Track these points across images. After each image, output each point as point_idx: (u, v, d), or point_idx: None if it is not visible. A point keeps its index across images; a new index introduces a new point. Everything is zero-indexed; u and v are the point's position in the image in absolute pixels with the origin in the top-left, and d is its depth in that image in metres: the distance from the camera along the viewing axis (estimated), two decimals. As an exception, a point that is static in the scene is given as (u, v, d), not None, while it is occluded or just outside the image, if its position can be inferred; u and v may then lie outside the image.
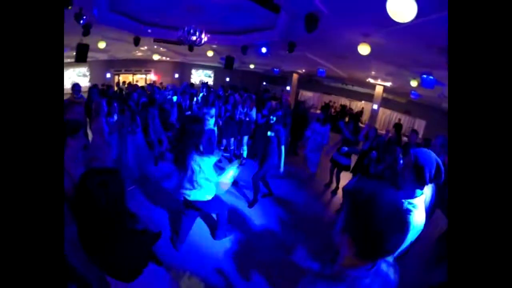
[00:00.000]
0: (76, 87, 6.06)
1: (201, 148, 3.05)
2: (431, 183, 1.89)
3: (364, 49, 6.06)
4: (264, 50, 9.19)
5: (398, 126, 7.78)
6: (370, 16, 4.79)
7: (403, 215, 1.00)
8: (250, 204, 4.88)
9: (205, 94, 8.58)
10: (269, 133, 4.59)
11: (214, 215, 3.74)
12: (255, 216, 4.67)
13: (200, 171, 2.96)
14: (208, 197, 3.23)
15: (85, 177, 1.48)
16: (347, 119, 9.88)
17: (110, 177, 1.52)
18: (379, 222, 0.93)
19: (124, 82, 15.88)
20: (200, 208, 3.34)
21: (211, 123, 6.45)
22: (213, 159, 3.09)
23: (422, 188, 1.91)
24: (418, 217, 1.85)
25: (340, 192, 6.07)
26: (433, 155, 1.89)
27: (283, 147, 4.60)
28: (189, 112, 7.74)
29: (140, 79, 18.53)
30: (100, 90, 10.34)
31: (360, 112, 18.33)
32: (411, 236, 1.84)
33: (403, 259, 2.11)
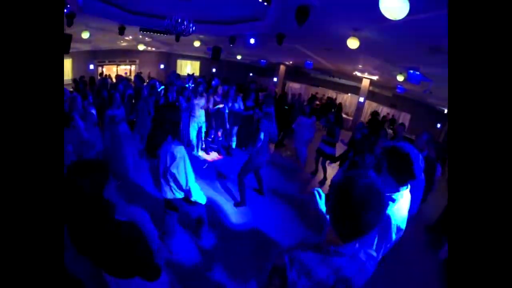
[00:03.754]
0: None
1: (179, 138, 2.82)
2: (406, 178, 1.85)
3: (353, 43, 6.07)
4: (252, 41, 9.11)
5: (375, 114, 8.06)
6: (362, 11, 4.79)
7: (378, 195, 1.07)
8: (237, 204, 4.71)
9: (193, 86, 8.47)
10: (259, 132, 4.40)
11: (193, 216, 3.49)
12: (242, 208, 4.68)
13: (173, 163, 2.70)
14: (182, 194, 3.00)
15: (69, 169, 1.47)
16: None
17: (93, 166, 1.51)
18: (354, 202, 1.05)
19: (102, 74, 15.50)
20: (176, 206, 3.18)
21: (201, 115, 6.39)
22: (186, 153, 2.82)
23: (403, 183, 1.87)
24: (396, 212, 1.81)
25: (328, 182, 6.23)
26: (407, 149, 1.83)
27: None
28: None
29: (125, 70, 18.11)
30: (83, 82, 10.08)
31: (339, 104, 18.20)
32: (393, 234, 1.81)
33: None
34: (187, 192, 2.91)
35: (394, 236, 1.83)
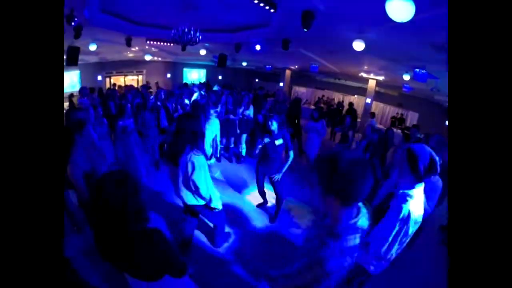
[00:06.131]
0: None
1: (198, 147, 2.84)
2: (426, 175, 2.04)
3: (359, 45, 6.09)
4: (258, 47, 9.15)
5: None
6: (367, 14, 4.81)
7: (362, 166, 1.23)
8: (272, 219, 4.53)
9: (203, 94, 8.57)
10: (276, 142, 4.09)
11: (211, 224, 3.51)
12: (255, 214, 4.72)
13: (193, 172, 2.76)
14: (204, 201, 3.06)
15: (101, 179, 1.50)
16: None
17: (125, 177, 1.53)
18: (343, 171, 1.21)
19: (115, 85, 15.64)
20: (197, 212, 3.27)
21: (216, 123, 6.46)
22: (206, 162, 2.88)
23: (419, 180, 2.08)
24: (414, 207, 2.02)
25: None
26: (428, 149, 2.06)
27: (291, 152, 4.18)
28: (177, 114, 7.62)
29: (132, 81, 18.30)
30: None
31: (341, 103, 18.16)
32: (411, 227, 2.03)
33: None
34: (208, 200, 2.98)
35: (411, 229, 2.04)
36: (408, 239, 2.14)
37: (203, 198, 2.97)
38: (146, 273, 1.60)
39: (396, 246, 2.08)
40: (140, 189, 1.56)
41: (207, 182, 2.87)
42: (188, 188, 2.91)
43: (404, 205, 1.99)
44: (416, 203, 2.04)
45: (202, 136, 2.91)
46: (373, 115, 13.06)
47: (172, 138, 2.97)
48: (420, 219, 2.10)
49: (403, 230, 2.02)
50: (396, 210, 2.03)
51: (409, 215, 1.98)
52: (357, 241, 1.31)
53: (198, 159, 2.74)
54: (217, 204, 3.09)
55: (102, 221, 1.47)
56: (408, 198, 2.03)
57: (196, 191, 2.90)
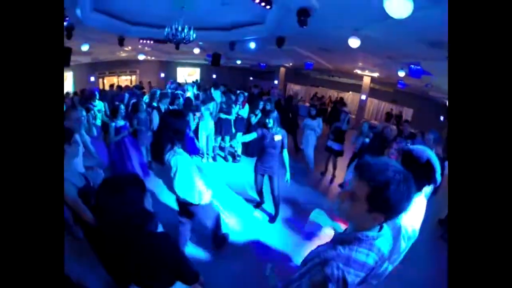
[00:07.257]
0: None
1: (179, 146, 2.72)
2: (421, 185, 1.80)
3: (354, 43, 6.07)
4: (252, 45, 9.09)
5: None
6: (362, 11, 4.79)
7: (393, 172, 1.09)
8: (272, 220, 4.50)
9: (195, 93, 8.51)
10: (275, 137, 4.05)
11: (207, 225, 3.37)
12: (252, 214, 4.70)
13: (176, 171, 2.62)
14: (196, 200, 2.89)
15: (101, 187, 1.46)
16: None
17: (127, 183, 1.49)
18: (370, 181, 1.09)
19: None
20: (191, 212, 3.13)
21: (209, 122, 6.48)
22: (190, 160, 2.75)
23: (418, 188, 1.82)
24: (407, 222, 1.80)
25: (336, 180, 6.44)
26: (428, 153, 1.80)
27: (285, 151, 4.18)
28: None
29: (125, 81, 18.13)
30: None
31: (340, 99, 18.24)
32: (402, 244, 1.81)
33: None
34: (193, 197, 2.86)
35: (403, 245, 1.82)
36: (401, 256, 1.92)
37: (191, 196, 2.84)
38: (157, 281, 1.55)
39: (386, 265, 1.80)
40: (146, 192, 1.51)
41: (192, 180, 2.75)
42: (175, 186, 2.77)
43: (395, 220, 1.69)
44: (411, 216, 1.80)
45: (184, 134, 2.78)
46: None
47: (156, 136, 2.83)
48: (415, 234, 1.87)
49: (394, 248, 1.76)
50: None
51: (399, 230, 1.77)
52: (370, 260, 1.17)
53: (180, 158, 2.63)
54: (203, 199, 2.94)
55: (106, 229, 1.42)
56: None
57: (183, 190, 2.78)
